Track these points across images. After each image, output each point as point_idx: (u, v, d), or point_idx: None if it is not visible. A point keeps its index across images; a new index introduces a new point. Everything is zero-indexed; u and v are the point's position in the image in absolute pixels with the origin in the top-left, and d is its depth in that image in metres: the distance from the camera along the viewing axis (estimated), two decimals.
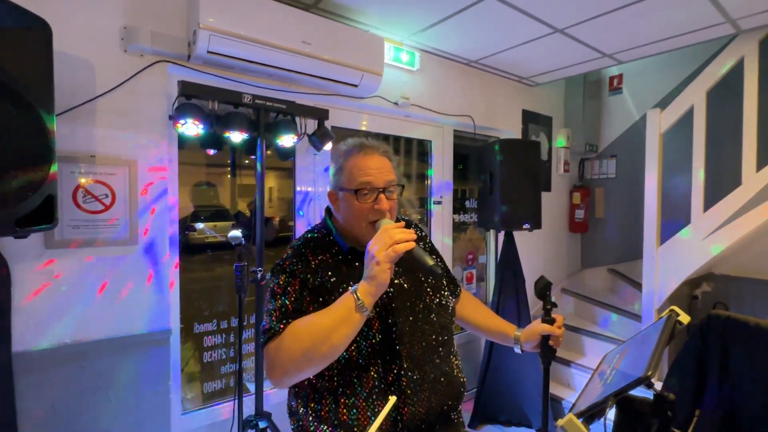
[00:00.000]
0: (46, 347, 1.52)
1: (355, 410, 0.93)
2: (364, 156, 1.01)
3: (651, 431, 0.65)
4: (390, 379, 0.96)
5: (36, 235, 1.49)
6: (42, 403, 1.52)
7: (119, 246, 1.68)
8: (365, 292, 0.87)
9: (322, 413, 0.95)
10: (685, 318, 0.84)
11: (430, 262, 0.91)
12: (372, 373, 0.95)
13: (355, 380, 0.94)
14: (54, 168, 1.24)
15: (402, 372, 0.96)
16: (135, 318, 1.71)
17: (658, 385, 0.78)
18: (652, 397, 0.69)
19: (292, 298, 0.94)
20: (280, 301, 0.95)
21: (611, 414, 0.72)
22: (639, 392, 0.74)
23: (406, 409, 0.94)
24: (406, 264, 1.04)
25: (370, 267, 0.88)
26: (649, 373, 0.62)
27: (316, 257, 1.01)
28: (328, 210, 1.13)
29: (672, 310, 0.88)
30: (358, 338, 0.93)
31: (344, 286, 0.98)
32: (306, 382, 0.98)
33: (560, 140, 3.72)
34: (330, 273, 1.00)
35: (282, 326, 0.91)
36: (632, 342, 0.96)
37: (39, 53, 1.22)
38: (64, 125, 1.52)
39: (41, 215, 1.23)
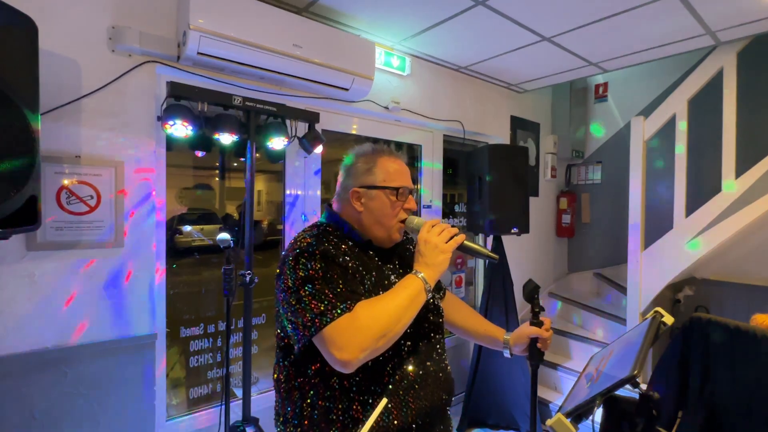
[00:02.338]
0: (26, 351, 1.48)
1: (369, 407, 0.94)
2: (394, 160, 1.10)
3: (637, 430, 0.67)
4: (401, 375, 0.98)
5: (17, 237, 1.45)
6: (21, 410, 1.47)
7: (104, 248, 1.64)
8: (430, 277, 0.97)
9: (335, 412, 0.94)
10: (669, 319, 0.87)
11: (485, 250, 1.07)
12: (388, 369, 0.97)
13: (370, 378, 0.96)
14: (37, 168, 1.21)
15: (411, 368, 1.00)
16: (119, 322, 1.68)
17: (644, 386, 0.79)
18: (637, 397, 0.70)
19: (340, 281, 0.93)
20: (326, 285, 0.92)
21: (598, 414, 0.74)
22: (625, 392, 0.75)
23: (414, 404, 0.97)
24: (406, 264, 1.11)
25: (433, 255, 0.99)
26: (635, 372, 0.63)
27: (339, 246, 1.02)
28: (329, 208, 1.13)
29: (656, 312, 0.90)
30: None
31: (369, 276, 1.01)
32: (317, 380, 0.96)
33: (547, 146, 3.78)
34: (355, 262, 1.00)
35: (348, 306, 0.89)
36: (618, 343, 0.98)
37: (24, 51, 1.20)
38: (48, 125, 1.49)
39: (23, 216, 1.21)
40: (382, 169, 1.07)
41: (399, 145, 2.96)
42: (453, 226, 1.05)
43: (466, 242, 1.04)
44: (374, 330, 0.87)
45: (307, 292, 0.91)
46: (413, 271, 0.98)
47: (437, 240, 1.00)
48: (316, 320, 0.88)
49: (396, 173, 1.08)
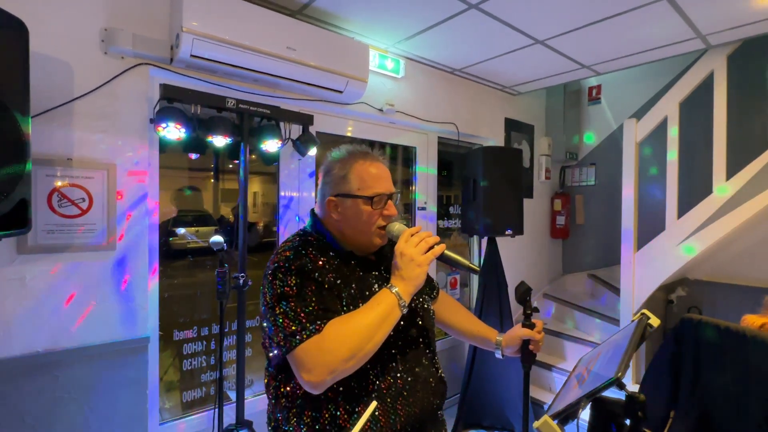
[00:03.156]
0: (16, 356, 1.47)
1: (355, 415, 0.93)
2: (371, 163, 1.04)
3: (623, 431, 0.67)
4: (387, 383, 0.97)
5: (8, 240, 1.44)
6: (12, 415, 1.46)
7: (96, 251, 1.64)
8: (405, 292, 0.93)
9: (322, 421, 0.94)
10: (655, 321, 0.87)
11: (466, 261, 0.99)
12: (371, 378, 0.96)
13: (356, 386, 0.95)
14: (28, 171, 1.21)
15: (399, 375, 0.99)
16: (111, 325, 1.67)
17: (636, 387, 0.80)
18: (624, 399, 0.71)
19: (314, 299, 0.92)
20: (300, 303, 0.91)
21: (586, 414, 0.74)
22: (613, 394, 0.76)
23: (403, 411, 0.96)
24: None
25: (409, 268, 0.94)
26: (619, 374, 0.64)
27: (319, 259, 0.99)
28: (314, 215, 1.10)
29: (643, 314, 0.91)
30: None
31: (348, 289, 0.98)
32: (301, 392, 0.95)
33: (541, 148, 3.80)
34: (333, 275, 0.98)
35: (318, 327, 0.88)
36: (606, 344, 0.99)
37: (14, 53, 1.20)
38: (40, 127, 1.48)
39: (14, 219, 1.20)
40: (356, 176, 1.02)
41: (393, 147, 2.97)
42: (436, 235, 1.02)
43: (447, 252, 0.99)
44: (342, 352, 0.86)
45: (281, 311, 0.91)
46: (388, 285, 0.95)
47: (413, 252, 0.95)
48: (287, 341, 0.88)
49: (371, 179, 1.02)
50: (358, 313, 0.92)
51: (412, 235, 0.99)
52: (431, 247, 0.97)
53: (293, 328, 0.88)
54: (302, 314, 0.89)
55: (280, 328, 0.90)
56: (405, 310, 0.93)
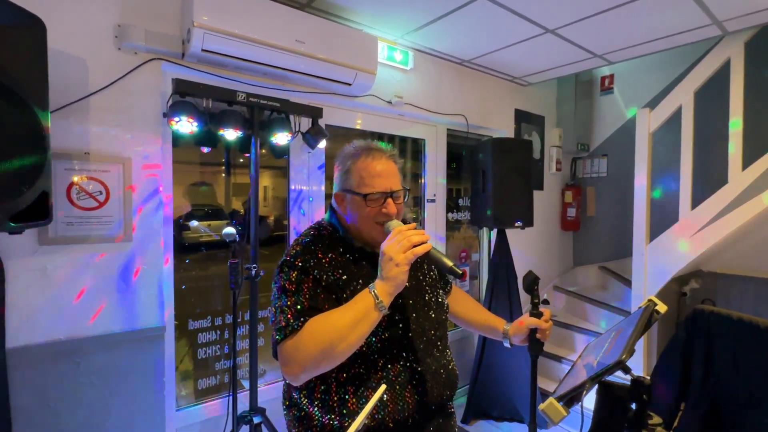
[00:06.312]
0: (39, 343, 1.53)
1: (363, 400, 0.96)
2: (372, 160, 1.04)
3: (628, 414, 0.68)
4: (396, 371, 0.99)
5: (30, 231, 1.49)
6: (36, 399, 1.52)
7: (113, 243, 1.69)
8: (384, 292, 0.91)
9: (330, 403, 0.97)
10: (662, 307, 0.88)
11: (449, 263, 0.94)
12: (380, 366, 0.98)
13: (364, 373, 0.97)
14: (48, 164, 1.25)
15: (408, 365, 1.01)
16: (129, 315, 1.72)
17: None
18: (629, 383, 0.72)
19: (307, 296, 0.95)
20: (293, 299, 0.95)
21: (590, 400, 0.75)
22: (619, 380, 0.76)
23: (411, 399, 0.99)
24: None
25: (388, 268, 0.91)
26: (623, 357, 0.65)
27: (326, 255, 1.01)
28: (332, 207, 1.13)
29: (650, 300, 0.91)
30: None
31: (354, 284, 1.00)
32: None
33: (552, 138, 3.76)
34: (341, 272, 1.01)
35: (299, 324, 0.91)
36: (613, 330, 0.99)
37: (33, 50, 1.23)
38: (58, 122, 1.53)
39: (35, 211, 1.25)
40: (356, 173, 1.03)
41: (403, 140, 2.97)
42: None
43: (432, 252, 0.94)
44: (313, 351, 0.89)
45: (279, 304, 0.97)
46: (370, 285, 0.93)
47: (393, 251, 0.91)
48: (278, 335, 0.94)
49: (369, 177, 1.02)
50: (336, 312, 0.92)
51: (399, 233, 0.95)
52: (416, 246, 0.93)
53: (283, 323, 0.94)
54: (293, 310, 0.94)
55: (276, 321, 0.96)
56: (384, 311, 0.91)
